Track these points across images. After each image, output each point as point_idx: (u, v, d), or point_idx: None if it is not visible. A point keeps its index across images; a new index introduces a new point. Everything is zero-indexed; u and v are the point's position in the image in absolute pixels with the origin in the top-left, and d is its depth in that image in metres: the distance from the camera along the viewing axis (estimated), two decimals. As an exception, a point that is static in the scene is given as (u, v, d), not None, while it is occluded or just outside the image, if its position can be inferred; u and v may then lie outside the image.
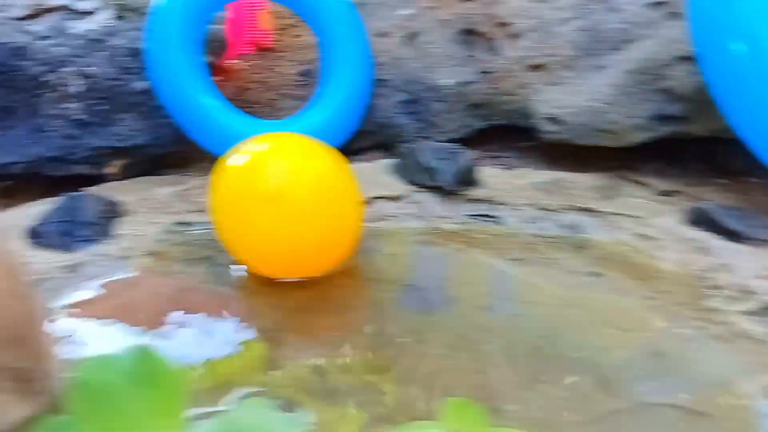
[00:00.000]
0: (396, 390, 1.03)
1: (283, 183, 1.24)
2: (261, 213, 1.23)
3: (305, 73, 2.39)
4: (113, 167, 1.72)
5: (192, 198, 1.57)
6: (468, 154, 1.61)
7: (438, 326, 1.20)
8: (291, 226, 1.23)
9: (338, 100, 1.71)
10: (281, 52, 2.66)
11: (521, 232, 1.47)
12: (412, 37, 1.82)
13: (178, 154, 1.81)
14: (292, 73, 2.52)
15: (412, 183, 1.59)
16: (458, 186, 1.56)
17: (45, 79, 1.63)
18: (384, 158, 1.79)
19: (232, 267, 1.35)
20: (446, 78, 1.76)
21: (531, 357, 1.10)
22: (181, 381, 0.88)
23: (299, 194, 1.24)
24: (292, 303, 1.28)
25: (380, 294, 1.33)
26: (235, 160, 1.28)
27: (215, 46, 1.81)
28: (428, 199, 1.56)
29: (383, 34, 1.82)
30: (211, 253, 1.40)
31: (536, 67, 1.74)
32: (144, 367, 0.88)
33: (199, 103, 1.65)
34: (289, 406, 0.99)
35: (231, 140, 1.55)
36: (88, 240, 1.38)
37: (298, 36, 2.81)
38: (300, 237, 1.23)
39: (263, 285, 1.32)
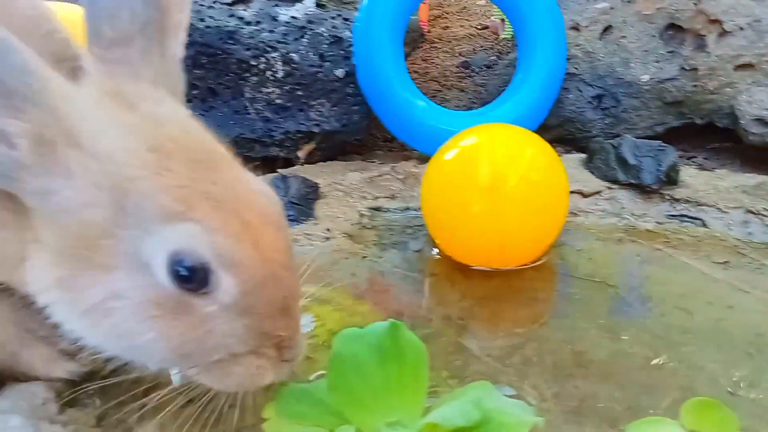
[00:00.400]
0: (590, 385, 1.02)
1: (498, 174, 1.24)
2: (476, 203, 1.24)
3: (464, 65, 2.43)
4: (303, 150, 1.82)
5: (381, 184, 1.62)
6: (673, 153, 1.54)
7: (633, 325, 1.17)
8: (504, 216, 1.23)
9: (533, 92, 1.70)
10: (433, 42, 2.70)
11: (727, 236, 1.41)
12: (607, 31, 1.78)
13: (365, 140, 1.88)
14: (451, 65, 2.55)
15: (607, 179, 1.56)
16: (659, 184, 1.51)
17: (251, 63, 1.72)
18: (565, 153, 1.77)
19: (433, 252, 1.39)
20: (642, 73, 1.71)
21: (739, 362, 1.06)
22: (425, 358, 0.93)
23: (514, 185, 1.24)
24: (481, 292, 1.30)
25: (572, 289, 1.31)
26: (452, 152, 1.31)
27: (412, 37, 1.85)
28: (625, 196, 1.53)
29: (576, 28, 1.79)
30: (403, 239, 1.45)
31: (746, 67, 1.66)
32: (393, 343, 0.93)
33: (400, 94, 1.67)
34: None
35: (427, 131, 1.61)
36: (294, 219, 1.45)
37: (447, 27, 2.84)
38: (511, 227, 1.24)
39: (452, 272, 1.35)
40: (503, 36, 2.69)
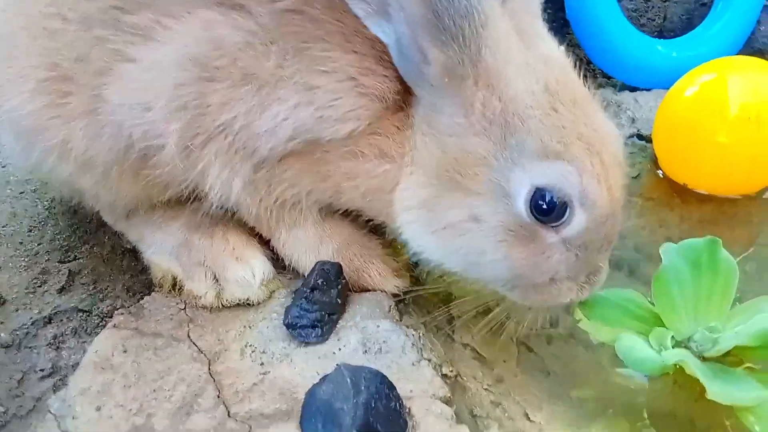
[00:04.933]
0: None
1: (746, 106, 1.28)
2: (722, 134, 1.30)
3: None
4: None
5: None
6: None
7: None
8: (751, 146, 1.29)
9: (735, 21, 1.70)
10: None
11: None
12: None
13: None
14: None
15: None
16: None
17: None
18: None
19: (658, 173, 1.46)
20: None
21: None
22: (736, 273, 1.01)
23: (761, 117, 1.27)
24: (698, 215, 1.37)
25: None
26: (693, 88, 1.35)
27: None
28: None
29: None
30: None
31: None
32: (710, 257, 1.02)
33: (608, 23, 1.69)
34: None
35: (632, 59, 1.65)
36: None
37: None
38: (761, 156, 1.30)
39: (670, 197, 1.41)
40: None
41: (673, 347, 0.99)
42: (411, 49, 0.85)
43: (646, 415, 0.98)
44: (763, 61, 1.36)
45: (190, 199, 1.04)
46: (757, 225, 1.38)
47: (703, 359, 0.98)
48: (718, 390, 0.87)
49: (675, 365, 0.96)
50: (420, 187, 0.93)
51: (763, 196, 1.41)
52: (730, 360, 0.98)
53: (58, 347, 1.09)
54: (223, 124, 0.90)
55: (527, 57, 0.88)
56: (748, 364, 0.98)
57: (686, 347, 1.00)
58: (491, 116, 0.87)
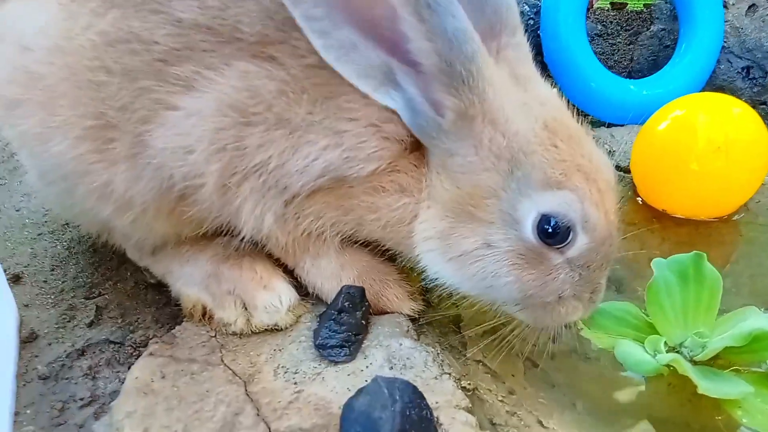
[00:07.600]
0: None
1: (713, 138, 1.38)
2: (694, 163, 1.40)
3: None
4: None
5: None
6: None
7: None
8: (727, 173, 1.39)
9: (697, 61, 1.82)
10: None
11: None
12: (751, 8, 1.86)
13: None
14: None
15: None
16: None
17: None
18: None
19: (637, 200, 1.57)
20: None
21: None
22: (720, 284, 1.11)
23: (740, 146, 1.38)
24: (676, 237, 1.47)
25: (754, 234, 1.48)
26: (665, 122, 1.46)
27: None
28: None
29: (724, 5, 1.86)
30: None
31: None
32: (696, 270, 1.11)
33: (583, 64, 1.81)
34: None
35: (606, 98, 1.74)
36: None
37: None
38: (731, 182, 1.41)
39: (649, 221, 1.51)
40: (597, 6, 2.81)
41: (666, 353, 1.08)
42: (424, 105, 0.94)
43: (645, 415, 1.05)
44: (727, 96, 1.47)
45: (219, 233, 1.11)
46: (731, 245, 1.48)
47: (694, 363, 1.06)
48: (709, 386, 0.96)
49: (669, 367, 1.04)
50: (437, 220, 1.00)
51: (733, 219, 1.51)
52: (718, 364, 1.07)
53: (94, 377, 1.12)
54: (258, 164, 0.96)
55: (524, 98, 0.97)
56: (734, 367, 1.06)
57: (678, 352, 1.08)
58: (498, 151, 0.95)
